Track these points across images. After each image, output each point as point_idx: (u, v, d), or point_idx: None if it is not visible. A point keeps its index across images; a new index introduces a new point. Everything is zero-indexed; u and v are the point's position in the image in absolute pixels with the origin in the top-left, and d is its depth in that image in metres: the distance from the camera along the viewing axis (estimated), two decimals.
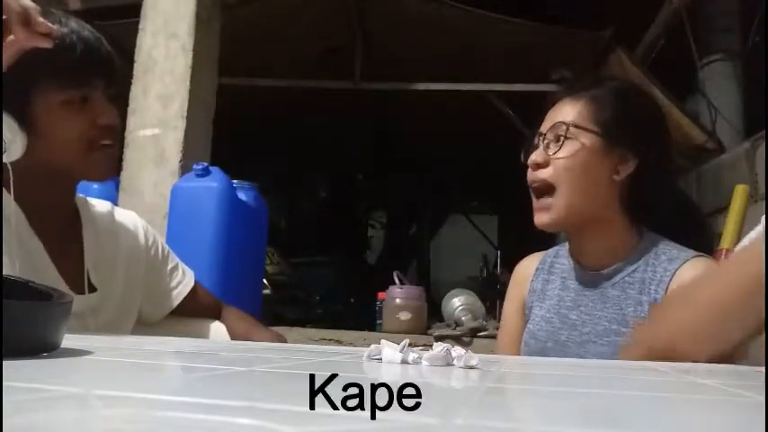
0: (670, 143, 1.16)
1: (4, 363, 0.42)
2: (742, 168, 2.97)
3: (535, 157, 1.08)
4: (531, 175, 1.09)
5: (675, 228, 1.11)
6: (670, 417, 0.38)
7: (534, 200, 1.09)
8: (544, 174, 1.07)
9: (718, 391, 0.51)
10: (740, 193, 2.41)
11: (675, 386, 0.56)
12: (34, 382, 0.39)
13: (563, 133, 1.06)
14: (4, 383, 0.35)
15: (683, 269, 1.02)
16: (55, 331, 0.56)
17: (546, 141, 1.08)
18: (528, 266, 1.23)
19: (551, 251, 1.23)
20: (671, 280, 1.02)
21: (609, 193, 1.07)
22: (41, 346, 0.54)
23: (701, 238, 1.15)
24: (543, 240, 1.43)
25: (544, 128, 1.10)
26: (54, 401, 0.32)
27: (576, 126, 1.06)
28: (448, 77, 4.14)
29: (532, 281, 1.20)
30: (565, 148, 1.06)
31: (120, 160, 2.59)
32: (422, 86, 4.17)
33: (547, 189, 1.07)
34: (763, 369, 0.66)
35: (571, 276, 1.14)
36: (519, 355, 1.17)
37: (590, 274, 1.11)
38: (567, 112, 1.09)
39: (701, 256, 1.04)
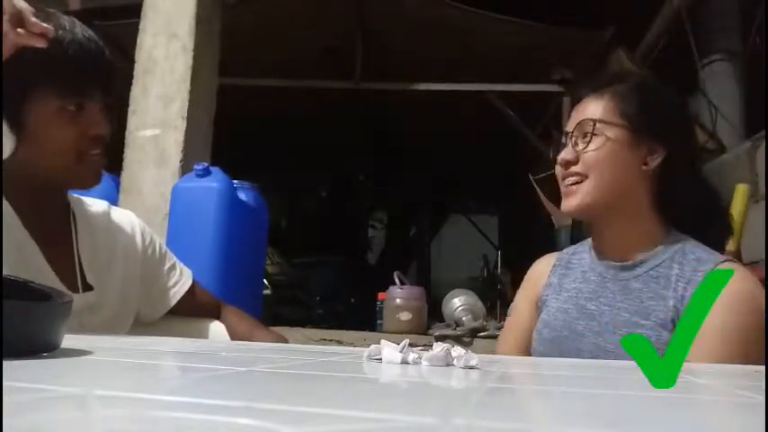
0: (695, 134, 1.17)
1: (4, 363, 0.42)
2: (742, 168, 2.97)
3: (565, 154, 1.09)
4: (563, 172, 1.10)
5: (702, 221, 1.11)
6: (670, 417, 0.38)
7: (562, 185, 1.11)
8: (575, 169, 1.09)
9: (718, 391, 0.51)
10: (740, 192, 2.42)
11: (675, 386, 0.56)
12: (34, 382, 0.39)
13: (590, 130, 1.08)
14: (4, 383, 0.35)
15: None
16: (55, 331, 0.56)
17: (574, 139, 1.10)
18: (545, 264, 1.24)
19: (569, 249, 1.24)
20: (701, 281, 1.01)
21: (638, 184, 1.08)
22: (41, 346, 0.54)
23: (725, 232, 1.15)
24: (544, 241, 1.43)
25: (570, 126, 1.12)
26: (54, 401, 0.32)
27: (603, 121, 1.08)
28: (448, 77, 4.13)
29: (549, 276, 1.21)
30: (593, 143, 1.07)
31: (120, 160, 2.59)
32: (422, 86, 4.18)
33: (580, 181, 1.09)
34: (763, 369, 0.66)
35: (592, 269, 1.15)
36: (523, 345, 1.18)
37: (613, 266, 1.12)
38: (592, 109, 1.10)
39: (728, 260, 1.04)
